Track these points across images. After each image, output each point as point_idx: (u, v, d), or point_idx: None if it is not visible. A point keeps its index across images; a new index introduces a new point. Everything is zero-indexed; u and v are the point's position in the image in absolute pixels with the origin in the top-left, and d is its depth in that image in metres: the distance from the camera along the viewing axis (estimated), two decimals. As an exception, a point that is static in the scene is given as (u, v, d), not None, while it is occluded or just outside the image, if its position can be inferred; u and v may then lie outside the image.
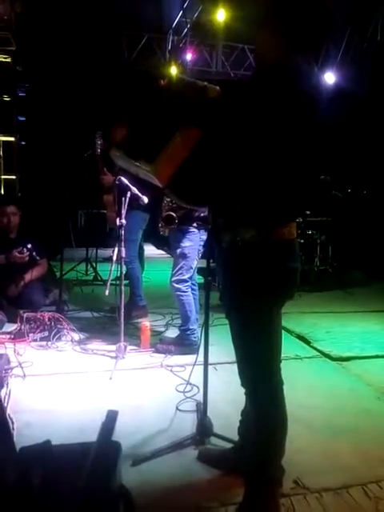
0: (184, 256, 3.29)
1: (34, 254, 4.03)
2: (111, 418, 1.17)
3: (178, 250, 3.30)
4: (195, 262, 3.34)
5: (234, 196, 1.54)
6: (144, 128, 1.55)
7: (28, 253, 3.97)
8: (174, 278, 3.32)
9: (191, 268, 3.32)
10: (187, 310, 3.34)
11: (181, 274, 3.31)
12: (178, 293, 3.32)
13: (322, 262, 6.27)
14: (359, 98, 7.37)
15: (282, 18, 1.51)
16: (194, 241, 3.29)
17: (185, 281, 3.32)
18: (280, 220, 1.54)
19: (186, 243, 3.28)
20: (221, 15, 7.04)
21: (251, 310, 1.56)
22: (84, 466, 1.06)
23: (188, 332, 3.37)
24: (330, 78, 8.11)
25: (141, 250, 4.96)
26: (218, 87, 1.46)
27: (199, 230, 3.28)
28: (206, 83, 1.48)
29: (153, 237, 6.67)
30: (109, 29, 7.92)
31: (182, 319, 3.43)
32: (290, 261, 1.57)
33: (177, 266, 3.33)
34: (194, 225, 3.26)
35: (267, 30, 1.54)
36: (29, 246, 3.99)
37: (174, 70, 8.51)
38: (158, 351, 3.36)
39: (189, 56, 8.60)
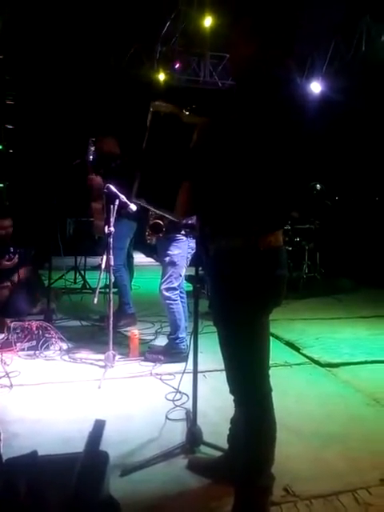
0: (173, 264, 3.28)
1: (19, 251, 4.13)
2: (98, 427, 1.16)
3: (167, 258, 3.30)
4: (184, 269, 3.34)
5: (220, 205, 1.54)
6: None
7: (15, 255, 4.07)
8: (163, 286, 3.31)
9: (180, 276, 3.32)
10: (177, 318, 3.33)
11: (170, 281, 3.30)
12: (168, 301, 3.31)
13: (311, 269, 6.30)
14: (345, 107, 7.46)
15: (259, 25, 1.52)
16: (183, 248, 3.29)
17: (174, 289, 3.31)
18: (266, 228, 1.54)
19: (174, 251, 3.28)
20: (207, 22, 7.09)
21: (239, 318, 1.56)
22: (71, 477, 1.05)
23: (177, 340, 3.35)
24: (316, 87, 8.21)
25: (130, 258, 4.94)
26: (193, 116, 1.54)
27: (187, 237, 3.27)
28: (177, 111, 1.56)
29: (142, 245, 6.67)
30: (97, 38, 7.95)
31: (171, 328, 3.42)
32: (277, 268, 1.58)
33: (166, 274, 3.32)
34: (182, 232, 3.26)
35: (246, 38, 1.54)
36: (11, 249, 4.07)
37: (162, 77, 8.56)
38: (147, 360, 3.35)
39: (177, 66, 8.66)
